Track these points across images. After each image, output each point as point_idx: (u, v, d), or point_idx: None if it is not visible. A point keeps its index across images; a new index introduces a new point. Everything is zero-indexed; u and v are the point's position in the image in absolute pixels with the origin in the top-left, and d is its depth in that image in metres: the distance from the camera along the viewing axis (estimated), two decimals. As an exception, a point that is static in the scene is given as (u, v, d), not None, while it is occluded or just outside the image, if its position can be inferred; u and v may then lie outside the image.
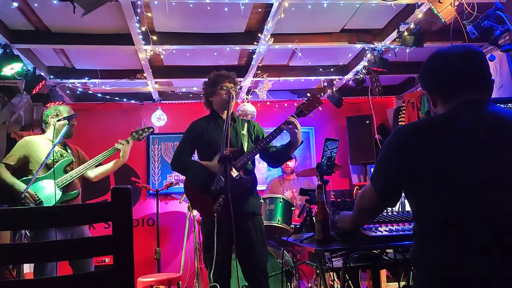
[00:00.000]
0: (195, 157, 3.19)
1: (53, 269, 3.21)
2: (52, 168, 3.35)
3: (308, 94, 3.01)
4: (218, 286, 2.62)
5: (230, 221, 2.41)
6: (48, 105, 4.88)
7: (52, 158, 3.35)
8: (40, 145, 3.43)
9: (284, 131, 2.92)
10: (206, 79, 3.16)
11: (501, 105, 2.83)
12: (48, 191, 3.31)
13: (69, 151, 3.59)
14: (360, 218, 1.85)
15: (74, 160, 3.55)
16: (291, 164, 5.27)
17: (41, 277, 3.04)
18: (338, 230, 2.08)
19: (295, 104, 6.32)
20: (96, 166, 3.62)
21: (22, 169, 3.36)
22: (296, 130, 2.88)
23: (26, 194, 3.19)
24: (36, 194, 3.27)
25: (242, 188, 2.88)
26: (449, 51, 1.53)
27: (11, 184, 3.26)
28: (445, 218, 1.38)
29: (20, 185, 3.25)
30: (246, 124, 3.15)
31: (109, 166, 3.68)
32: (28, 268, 4.48)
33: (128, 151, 3.65)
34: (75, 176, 3.43)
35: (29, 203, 3.22)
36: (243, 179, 2.89)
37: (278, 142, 3.09)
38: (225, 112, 2.98)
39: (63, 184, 3.37)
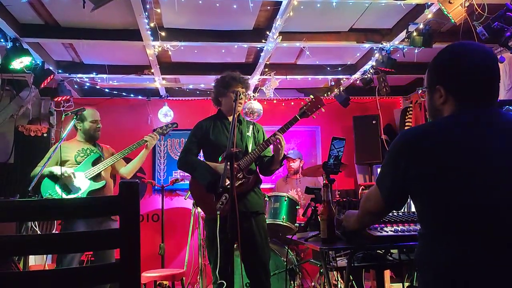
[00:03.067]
0: (200, 156, 3.21)
1: (72, 259, 3.39)
2: (81, 163, 3.57)
3: (311, 96, 3.05)
4: (225, 284, 2.62)
5: (235, 219, 2.42)
6: (56, 99, 4.92)
7: (81, 155, 3.61)
8: (71, 148, 3.64)
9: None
10: (219, 77, 3.17)
11: (510, 107, 2.83)
12: (78, 181, 3.51)
13: (98, 148, 3.77)
14: (364, 220, 1.85)
15: (102, 155, 3.73)
16: (294, 165, 5.27)
17: (60, 266, 3.29)
18: (344, 229, 2.08)
19: (302, 103, 6.31)
20: (125, 160, 3.85)
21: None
22: (279, 146, 2.89)
23: (66, 173, 3.41)
24: (65, 185, 3.47)
25: (245, 187, 2.94)
26: (476, 52, 1.49)
27: (49, 171, 3.45)
28: (451, 219, 1.38)
29: (53, 169, 3.45)
30: (251, 126, 3.18)
31: (137, 159, 3.86)
32: (33, 261, 4.52)
33: (154, 143, 3.84)
34: (102, 168, 3.60)
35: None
36: (245, 178, 2.94)
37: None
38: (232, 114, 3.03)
39: (91, 175, 3.55)
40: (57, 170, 3.44)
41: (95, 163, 3.63)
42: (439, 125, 1.50)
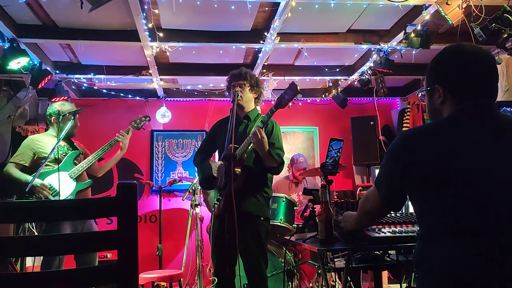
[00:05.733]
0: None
1: (60, 264, 3.31)
2: (62, 161, 3.44)
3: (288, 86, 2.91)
4: (216, 280, 2.62)
5: (231, 219, 2.41)
6: (53, 99, 4.91)
7: (57, 152, 3.41)
8: (46, 142, 3.51)
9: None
10: None
11: (507, 109, 2.83)
12: (61, 182, 3.38)
13: (75, 145, 3.68)
14: (363, 220, 1.85)
15: (81, 152, 3.65)
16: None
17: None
18: (342, 229, 2.08)
19: (300, 103, 6.36)
20: (99, 160, 3.73)
21: (34, 167, 3.42)
22: (255, 140, 2.77)
23: (39, 185, 3.27)
24: (51, 186, 3.35)
25: (236, 184, 2.73)
26: (474, 52, 1.50)
27: (24, 180, 3.32)
28: (449, 220, 1.37)
29: (30, 179, 3.28)
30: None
31: (112, 161, 3.81)
32: (30, 262, 4.51)
33: (127, 142, 3.76)
34: (86, 167, 3.54)
35: (40, 196, 3.29)
36: (237, 176, 2.81)
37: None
38: (243, 110, 3.07)
39: (76, 174, 3.48)
40: (31, 180, 3.25)
41: (75, 162, 3.55)
42: (437, 126, 1.50)
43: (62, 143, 3.53)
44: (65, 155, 3.51)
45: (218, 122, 3.25)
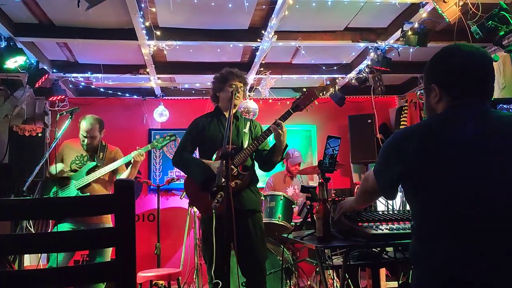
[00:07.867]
0: (196, 154, 3.19)
1: (65, 258, 3.38)
2: (76, 171, 3.55)
3: (304, 89, 3.03)
4: (221, 283, 2.61)
5: (230, 217, 2.41)
6: (51, 98, 4.90)
7: (76, 163, 3.60)
8: (72, 150, 3.64)
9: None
10: (218, 74, 3.14)
11: (504, 106, 2.84)
12: (69, 189, 3.51)
13: (101, 154, 3.66)
14: (361, 199, 1.93)
15: (98, 165, 3.62)
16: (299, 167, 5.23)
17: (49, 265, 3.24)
18: (339, 224, 2.09)
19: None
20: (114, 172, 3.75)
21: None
22: (280, 132, 2.83)
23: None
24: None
25: (240, 185, 2.89)
26: (469, 52, 1.52)
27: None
28: (442, 216, 1.39)
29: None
30: (248, 122, 3.16)
31: (125, 174, 3.73)
32: (28, 261, 4.51)
33: (141, 160, 3.71)
34: (91, 179, 3.55)
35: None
36: (240, 175, 2.90)
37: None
38: (232, 110, 3.02)
39: (79, 185, 3.51)
40: (61, 168, 3.49)
41: (89, 172, 3.57)
42: (430, 125, 1.53)
43: (84, 153, 3.63)
44: (81, 166, 3.58)
45: (198, 119, 3.15)
